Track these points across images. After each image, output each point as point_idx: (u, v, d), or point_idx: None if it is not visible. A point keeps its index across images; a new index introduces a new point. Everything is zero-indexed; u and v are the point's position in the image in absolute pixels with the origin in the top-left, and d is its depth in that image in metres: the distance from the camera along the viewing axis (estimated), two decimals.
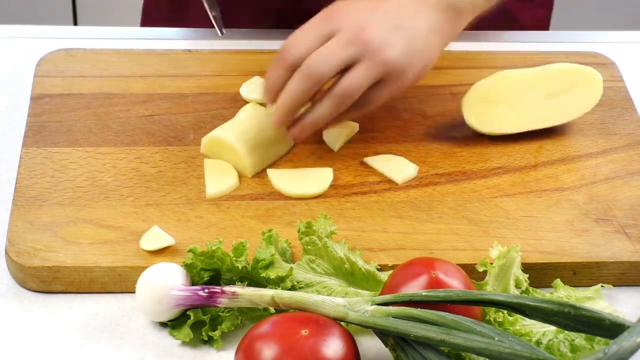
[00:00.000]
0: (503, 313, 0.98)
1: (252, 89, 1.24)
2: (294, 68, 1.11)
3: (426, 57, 1.13)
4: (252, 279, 1.01)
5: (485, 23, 1.22)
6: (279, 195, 1.12)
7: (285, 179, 1.13)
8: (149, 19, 1.54)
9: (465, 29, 1.17)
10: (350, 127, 1.20)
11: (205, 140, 1.15)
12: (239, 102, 1.24)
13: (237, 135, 1.14)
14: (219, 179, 1.12)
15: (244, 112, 1.18)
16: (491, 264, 1.03)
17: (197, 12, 1.43)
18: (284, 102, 1.11)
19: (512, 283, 1.02)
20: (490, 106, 1.19)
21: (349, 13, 1.11)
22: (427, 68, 1.13)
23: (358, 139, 1.20)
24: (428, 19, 1.12)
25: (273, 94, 1.13)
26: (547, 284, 1.06)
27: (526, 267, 1.04)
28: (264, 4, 1.39)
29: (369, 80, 1.10)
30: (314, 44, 1.10)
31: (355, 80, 1.09)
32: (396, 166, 1.16)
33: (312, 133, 1.14)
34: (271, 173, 1.14)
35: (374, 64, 1.09)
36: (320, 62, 1.09)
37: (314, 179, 1.13)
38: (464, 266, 1.02)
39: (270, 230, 1.02)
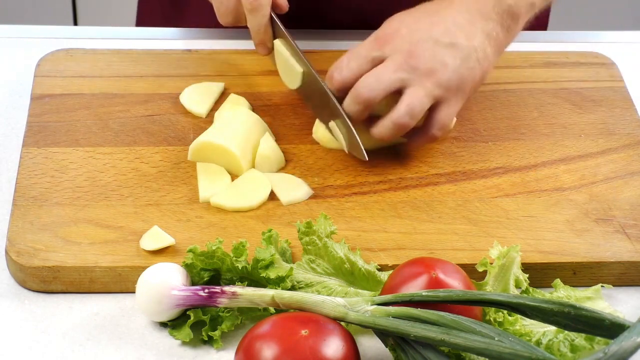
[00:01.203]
0: (503, 313, 0.98)
1: (191, 98, 1.22)
2: (343, 89, 1.13)
3: (482, 69, 1.14)
4: (252, 279, 1.01)
5: None
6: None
7: (223, 195, 1.11)
8: (144, 19, 1.53)
9: None
10: None
11: (193, 146, 1.14)
12: None
13: (227, 137, 1.13)
14: (212, 182, 1.12)
15: (224, 115, 1.17)
16: (491, 264, 1.03)
17: (194, 12, 1.43)
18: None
19: (512, 283, 1.02)
20: None
21: (401, 36, 1.12)
22: (484, 79, 1.15)
23: None
24: (483, 31, 1.13)
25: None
26: (547, 284, 1.06)
27: (526, 267, 1.04)
28: None
29: (426, 100, 1.11)
30: (363, 66, 1.12)
31: (415, 101, 1.11)
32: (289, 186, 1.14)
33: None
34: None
35: (429, 86, 1.11)
36: (374, 82, 1.11)
37: (251, 193, 1.12)
38: (464, 266, 1.02)
39: (270, 230, 1.02)
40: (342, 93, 1.13)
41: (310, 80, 1.16)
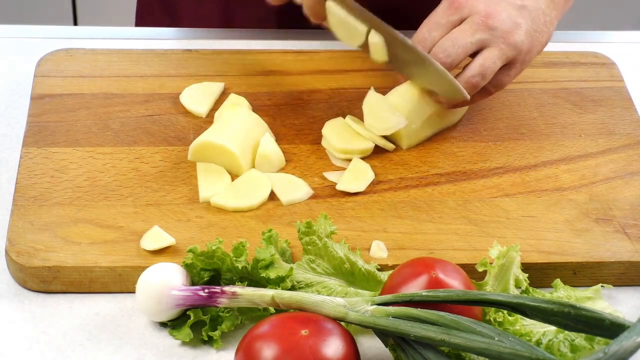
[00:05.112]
0: (503, 313, 0.98)
1: (191, 98, 1.22)
2: None
3: (548, 32, 1.16)
4: (252, 279, 1.01)
5: None
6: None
7: (223, 195, 1.11)
8: (142, 22, 1.54)
9: None
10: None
11: (193, 146, 1.14)
12: None
13: (227, 137, 1.13)
14: (212, 182, 1.12)
15: (224, 115, 1.17)
16: (491, 264, 1.03)
17: (187, 12, 1.43)
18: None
19: (512, 283, 1.02)
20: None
21: None
22: (545, 45, 1.17)
23: None
24: None
25: None
26: (547, 284, 1.06)
27: (526, 267, 1.04)
28: (266, 4, 1.39)
29: (499, 62, 1.12)
30: (444, 33, 1.13)
31: (488, 62, 1.12)
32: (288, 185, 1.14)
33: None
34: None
35: (504, 47, 1.12)
36: (450, 46, 1.11)
37: (250, 192, 1.12)
38: (464, 266, 1.02)
39: (270, 230, 1.02)
40: None
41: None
